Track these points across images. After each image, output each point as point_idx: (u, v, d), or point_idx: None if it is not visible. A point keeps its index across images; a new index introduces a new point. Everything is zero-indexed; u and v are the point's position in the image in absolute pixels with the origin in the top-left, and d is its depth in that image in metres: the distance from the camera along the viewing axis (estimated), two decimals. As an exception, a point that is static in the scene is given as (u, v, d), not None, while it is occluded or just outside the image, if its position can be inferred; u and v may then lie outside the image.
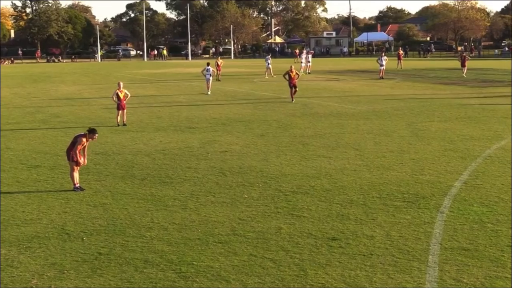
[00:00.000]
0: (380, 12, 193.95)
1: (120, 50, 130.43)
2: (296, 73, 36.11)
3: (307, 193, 15.11)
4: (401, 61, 70.53)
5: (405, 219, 12.87)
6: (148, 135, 24.22)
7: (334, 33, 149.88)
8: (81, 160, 15.44)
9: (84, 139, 15.34)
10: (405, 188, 15.41)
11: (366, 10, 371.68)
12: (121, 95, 26.84)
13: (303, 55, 64.76)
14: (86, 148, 15.73)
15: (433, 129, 24.71)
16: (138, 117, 29.63)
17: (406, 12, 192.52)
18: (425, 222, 12.65)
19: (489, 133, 23.70)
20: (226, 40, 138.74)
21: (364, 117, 28.51)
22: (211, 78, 41.89)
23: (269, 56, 61.25)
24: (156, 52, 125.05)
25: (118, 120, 26.91)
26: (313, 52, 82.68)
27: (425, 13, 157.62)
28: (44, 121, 29.08)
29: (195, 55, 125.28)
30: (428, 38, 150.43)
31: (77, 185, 15.51)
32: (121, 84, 27.40)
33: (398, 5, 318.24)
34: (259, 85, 49.59)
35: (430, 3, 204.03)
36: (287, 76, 35.70)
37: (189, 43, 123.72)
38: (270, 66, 57.74)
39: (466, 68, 56.46)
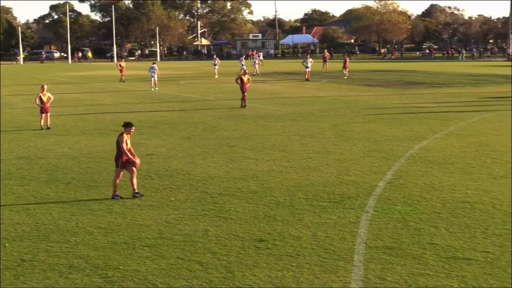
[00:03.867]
0: (305, 14, 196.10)
1: (43, 52, 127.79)
2: (248, 78, 34.75)
3: (234, 195, 15.14)
4: (327, 63, 71.45)
5: (331, 219, 13.02)
6: (73, 139, 23.82)
7: (260, 35, 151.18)
8: (136, 160, 14.96)
9: (124, 136, 14.87)
10: (330, 189, 15.61)
11: (292, 12, 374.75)
12: (45, 98, 26.34)
13: (243, 59, 65.08)
14: (131, 148, 15.14)
15: (358, 130, 25.13)
16: (63, 120, 29.11)
17: (331, 15, 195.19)
18: (350, 222, 12.83)
19: (412, 133, 24.25)
20: (152, 42, 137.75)
21: (290, 119, 28.75)
22: (155, 75, 46.73)
23: (243, 58, 62.12)
24: (80, 54, 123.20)
25: (42, 124, 26.36)
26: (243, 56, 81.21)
27: (349, 15, 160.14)
28: (-36, 125, 28.24)
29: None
30: (352, 41, 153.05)
31: (136, 190, 15.01)
32: (45, 87, 26.92)
33: (323, 8, 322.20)
34: (186, 87, 49.42)
35: (354, 6, 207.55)
36: (239, 81, 34.25)
37: (115, 45, 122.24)
38: (244, 67, 57.74)
39: (347, 69, 58.81)
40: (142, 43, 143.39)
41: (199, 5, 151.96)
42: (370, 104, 34.84)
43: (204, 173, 17.48)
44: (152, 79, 47.09)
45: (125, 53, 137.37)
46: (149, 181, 16.66)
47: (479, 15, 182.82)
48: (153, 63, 49.03)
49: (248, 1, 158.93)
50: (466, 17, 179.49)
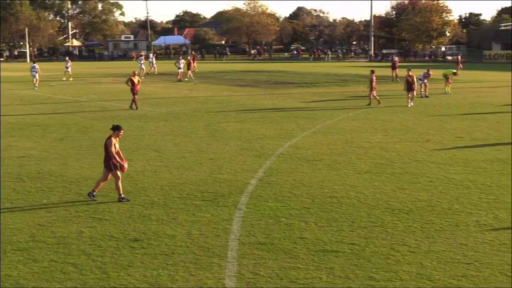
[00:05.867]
0: (177, 16, 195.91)
1: None
2: (139, 80, 33.72)
3: (108, 195, 15.06)
4: (195, 63, 71.70)
5: (205, 217, 13.25)
6: None
7: (132, 36, 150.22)
8: (124, 164, 14.54)
9: (112, 139, 14.43)
10: (204, 187, 15.85)
11: (163, 14, 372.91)
12: None
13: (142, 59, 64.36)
14: (120, 152, 14.69)
15: (230, 129, 25.52)
16: None
17: (202, 17, 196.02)
18: (224, 219, 13.11)
19: (281, 132, 24.89)
20: (21, 43, 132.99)
21: (163, 119, 28.77)
22: (37, 75, 47.86)
23: (143, 58, 61.67)
24: None
25: None
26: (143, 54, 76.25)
27: (220, 17, 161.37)
28: None
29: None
30: (223, 42, 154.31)
31: (122, 195, 14.61)
32: None
33: (194, 10, 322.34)
34: (57, 88, 48.31)
35: (225, 8, 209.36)
36: (129, 83, 33.02)
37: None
38: (143, 66, 59.04)
39: (191, 71, 57.79)
40: (11, 44, 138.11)
41: (69, 5, 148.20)
42: (241, 104, 35.39)
43: (77, 175, 17.28)
44: (34, 78, 47.84)
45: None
46: (21, 183, 16.28)
47: (343, 18, 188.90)
48: (34, 63, 50.49)
49: (120, 2, 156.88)
50: (331, 20, 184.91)
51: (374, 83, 34.13)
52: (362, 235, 12.05)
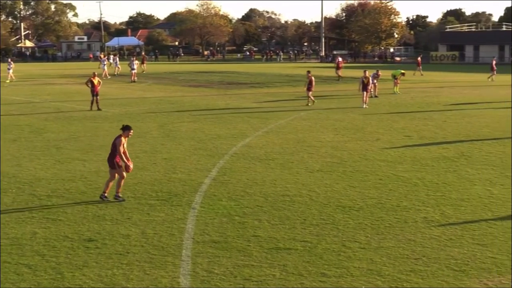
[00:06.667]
0: (130, 17, 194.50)
1: None
2: (99, 81, 33.43)
3: (62, 196, 15.05)
4: (145, 64, 71.54)
5: (159, 217, 13.34)
6: None
7: (85, 37, 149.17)
8: (130, 164, 14.47)
9: (122, 139, 14.34)
10: (158, 187, 15.93)
11: (117, 15, 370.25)
12: None
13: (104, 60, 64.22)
14: (126, 151, 14.59)
15: (184, 129, 25.60)
16: None
17: (155, 18, 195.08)
18: (178, 219, 13.21)
19: (235, 131, 25.08)
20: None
21: (117, 120, 28.64)
22: None
23: (105, 58, 62.07)
24: None
25: None
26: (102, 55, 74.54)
27: (173, 18, 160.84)
28: None
29: None
30: (177, 43, 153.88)
31: (119, 194, 14.63)
32: None
33: (147, 11, 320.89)
34: (10, 89, 47.65)
35: (178, 9, 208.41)
36: (89, 84, 32.76)
37: None
38: (105, 67, 60.26)
39: (135, 71, 56.94)
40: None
41: (21, 6, 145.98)
42: (194, 104, 35.48)
43: (31, 176, 17.20)
44: None
45: None
46: (-29, 186, 16.14)
47: (294, 20, 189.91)
48: None
49: (73, 3, 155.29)
50: (283, 21, 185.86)
51: (313, 84, 34.64)
52: (314, 233, 12.26)
